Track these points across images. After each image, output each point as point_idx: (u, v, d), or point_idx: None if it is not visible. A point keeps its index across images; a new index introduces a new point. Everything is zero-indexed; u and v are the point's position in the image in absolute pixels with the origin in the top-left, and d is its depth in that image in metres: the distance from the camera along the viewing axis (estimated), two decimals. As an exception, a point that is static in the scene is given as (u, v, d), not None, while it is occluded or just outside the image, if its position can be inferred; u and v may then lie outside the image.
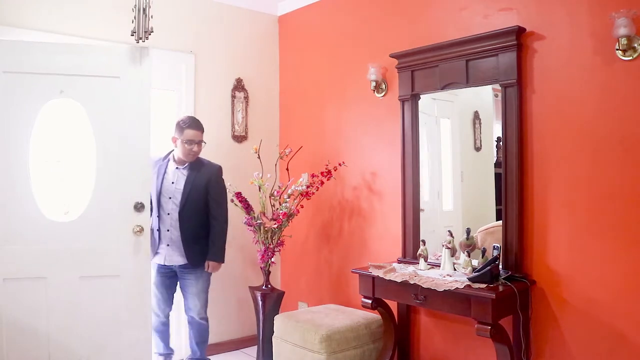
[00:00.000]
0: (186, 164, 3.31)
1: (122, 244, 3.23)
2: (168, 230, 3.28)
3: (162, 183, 3.31)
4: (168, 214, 3.27)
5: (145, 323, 3.27)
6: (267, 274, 3.78)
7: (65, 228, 3.22)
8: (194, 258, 3.30)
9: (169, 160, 3.35)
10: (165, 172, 3.32)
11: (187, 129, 3.25)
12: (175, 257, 3.29)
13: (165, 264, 3.30)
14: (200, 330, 3.44)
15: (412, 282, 2.72)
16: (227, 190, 3.55)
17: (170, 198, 3.27)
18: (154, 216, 3.32)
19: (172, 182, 3.29)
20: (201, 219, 3.33)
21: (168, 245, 3.28)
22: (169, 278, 3.38)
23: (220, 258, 3.35)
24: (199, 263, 3.33)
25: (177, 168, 3.31)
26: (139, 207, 3.24)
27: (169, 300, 3.43)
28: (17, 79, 3.15)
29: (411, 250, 3.23)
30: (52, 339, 3.13)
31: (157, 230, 3.33)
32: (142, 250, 3.22)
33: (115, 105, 3.34)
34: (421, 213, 3.25)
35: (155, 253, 3.34)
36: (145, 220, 3.23)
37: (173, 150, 3.37)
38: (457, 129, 3.26)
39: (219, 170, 3.41)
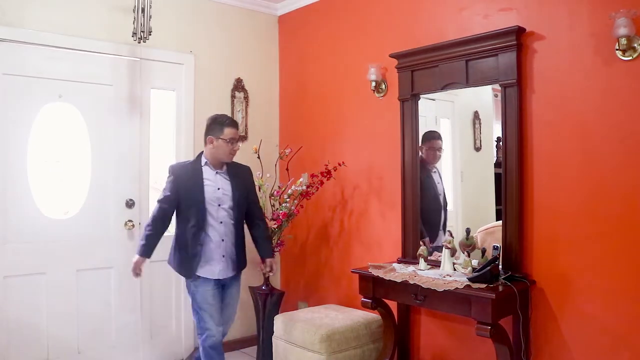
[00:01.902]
0: (224, 168, 3.02)
1: (115, 238, 3.56)
2: (223, 240, 2.95)
3: (204, 190, 2.94)
4: (221, 222, 2.95)
5: (133, 307, 3.62)
6: (267, 274, 3.78)
7: (62, 225, 3.40)
8: (242, 266, 3.11)
9: (201, 165, 2.99)
10: (203, 178, 2.96)
11: (227, 127, 2.95)
12: (229, 268, 3.00)
13: (221, 277, 2.97)
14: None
15: (412, 282, 2.72)
16: None
17: (219, 205, 2.94)
18: (193, 226, 2.91)
19: (218, 188, 2.96)
20: (242, 224, 3.12)
21: (223, 256, 2.96)
22: (219, 289, 3.02)
23: (273, 254, 3.24)
24: (241, 271, 3.13)
25: (217, 173, 2.99)
26: (130, 203, 3.60)
27: (220, 313, 3.04)
28: (17, 82, 3.19)
29: (411, 250, 3.22)
30: (51, 332, 3.35)
31: (201, 241, 2.91)
32: (133, 242, 3.56)
33: (108, 110, 3.57)
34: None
35: (200, 266, 2.93)
36: (135, 216, 3.60)
37: (200, 154, 3.04)
38: (457, 129, 3.26)
39: (250, 170, 3.20)
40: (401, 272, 2.90)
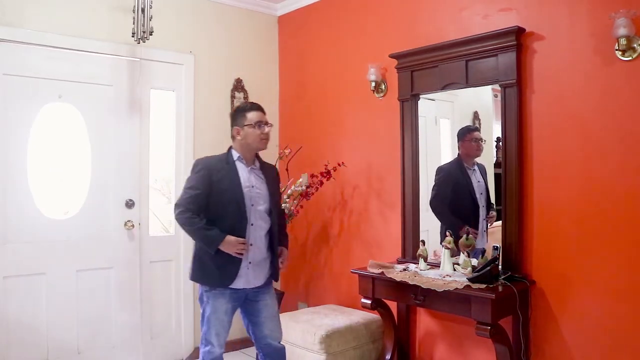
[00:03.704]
0: (257, 164, 2.76)
1: (115, 238, 3.56)
2: (252, 245, 2.64)
3: (242, 187, 2.64)
4: (252, 224, 2.64)
5: (133, 307, 3.61)
6: (267, 274, 3.77)
7: (62, 225, 3.40)
8: (276, 273, 2.79)
9: (234, 159, 2.70)
10: (238, 175, 2.66)
11: (250, 111, 2.68)
12: (257, 277, 2.68)
13: (247, 287, 2.66)
14: (281, 357, 2.81)
15: (411, 283, 2.72)
16: None
17: (252, 205, 2.65)
18: (226, 229, 2.59)
19: (253, 186, 2.67)
20: (276, 227, 2.79)
21: (250, 262, 2.64)
22: (238, 303, 2.72)
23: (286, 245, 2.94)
24: (275, 278, 2.82)
25: (251, 169, 2.72)
26: (130, 203, 3.59)
27: (229, 328, 2.73)
28: (17, 82, 3.20)
29: (411, 250, 3.23)
30: (51, 332, 3.34)
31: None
32: (133, 242, 3.60)
33: (108, 111, 3.56)
34: (421, 213, 3.25)
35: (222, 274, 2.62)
36: (135, 216, 3.60)
37: (230, 148, 2.75)
38: (457, 129, 3.26)
39: (277, 169, 2.98)
40: (401, 272, 2.90)
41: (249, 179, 2.68)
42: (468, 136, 3.10)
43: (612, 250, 2.43)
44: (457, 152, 3.15)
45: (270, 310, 2.77)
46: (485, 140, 3.03)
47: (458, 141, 3.13)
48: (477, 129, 3.10)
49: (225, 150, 2.75)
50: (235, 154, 2.71)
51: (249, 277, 2.65)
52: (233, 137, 2.73)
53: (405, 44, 3.27)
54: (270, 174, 2.81)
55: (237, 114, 2.72)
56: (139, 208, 3.62)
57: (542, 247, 2.69)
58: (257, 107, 2.73)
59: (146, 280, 3.66)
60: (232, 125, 2.73)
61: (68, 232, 3.38)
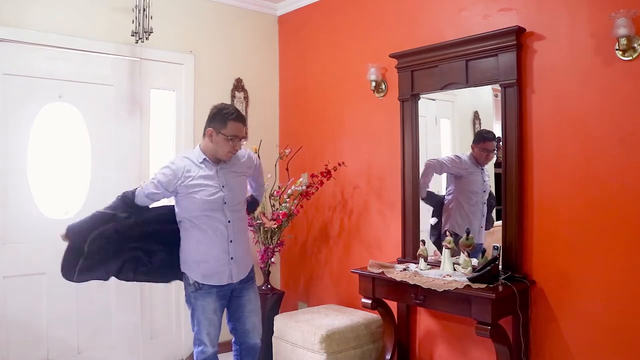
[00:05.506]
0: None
1: None
2: (231, 242, 2.67)
3: (201, 192, 2.60)
4: (229, 221, 2.66)
5: (133, 307, 3.61)
6: (267, 274, 3.78)
7: (62, 225, 3.34)
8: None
9: (199, 161, 2.65)
10: (204, 176, 2.63)
11: (231, 121, 2.59)
12: (241, 270, 2.73)
13: (233, 281, 2.70)
14: (256, 353, 2.85)
15: (412, 283, 2.72)
16: None
17: (225, 204, 2.64)
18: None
19: (223, 186, 2.63)
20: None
21: (232, 258, 2.67)
22: (225, 301, 2.76)
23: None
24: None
25: (220, 168, 2.66)
26: None
27: (220, 327, 2.76)
28: (17, 82, 3.20)
29: (411, 250, 3.23)
30: (51, 332, 3.33)
31: (204, 247, 2.65)
32: None
33: (108, 111, 3.55)
34: (421, 213, 3.24)
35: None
36: None
37: (197, 148, 2.71)
38: (457, 129, 3.26)
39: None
40: (401, 272, 2.90)
41: (218, 180, 2.65)
42: (480, 144, 3.09)
43: (612, 250, 2.43)
44: (460, 150, 3.19)
45: (253, 305, 2.81)
46: (496, 154, 3.02)
47: (472, 142, 3.13)
48: (492, 139, 3.03)
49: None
50: (201, 155, 2.66)
51: (232, 272, 2.68)
52: (204, 135, 2.67)
53: (405, 44, 3.27)
54: (241, 165, 2.77)
55: (218, 117, 2.63)
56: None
57: (542, 247, 2.69)
58: (239, 119, 2.64)
59: (146, 280, 3.67)
60: (209, 123, 2.65)
61: (68, 232, 3.38)
